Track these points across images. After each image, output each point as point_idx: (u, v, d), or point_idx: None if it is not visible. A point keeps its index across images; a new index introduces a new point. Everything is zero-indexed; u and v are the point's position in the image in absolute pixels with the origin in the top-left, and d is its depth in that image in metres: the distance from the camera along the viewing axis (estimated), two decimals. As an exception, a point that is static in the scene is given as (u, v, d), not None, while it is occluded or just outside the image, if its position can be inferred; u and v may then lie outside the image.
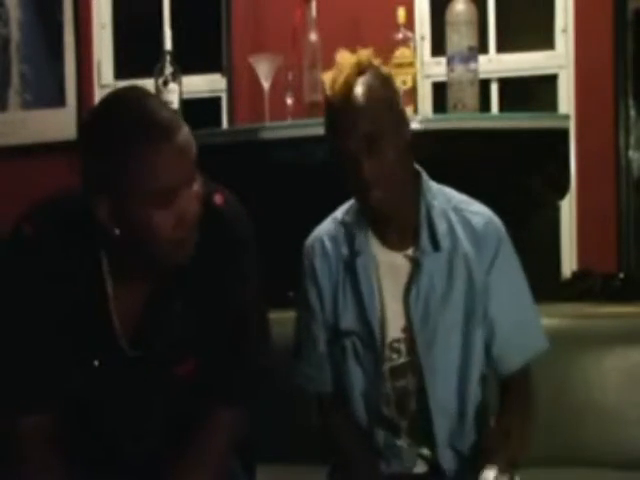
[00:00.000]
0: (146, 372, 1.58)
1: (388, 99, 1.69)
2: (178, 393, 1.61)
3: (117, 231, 1.47)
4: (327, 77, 1.71)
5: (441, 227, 1.73)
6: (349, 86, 1.66)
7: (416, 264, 1.74)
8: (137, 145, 1.42)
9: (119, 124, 1.43)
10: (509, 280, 1.77)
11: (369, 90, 1.66)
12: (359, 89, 1.66)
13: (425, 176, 1.78)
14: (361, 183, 1.66)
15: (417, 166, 1.79)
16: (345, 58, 1.70)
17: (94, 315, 1.55)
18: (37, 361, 1.54)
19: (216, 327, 1.60)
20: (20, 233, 1.55)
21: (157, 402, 1.62)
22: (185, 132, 1.46)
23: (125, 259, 1.53)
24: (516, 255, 1.79)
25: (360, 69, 1.67)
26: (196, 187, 1.48)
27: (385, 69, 1.74)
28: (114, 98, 1.50)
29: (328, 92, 1.69)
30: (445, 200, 1.78)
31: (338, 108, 1.67)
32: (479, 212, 1.77)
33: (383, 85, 1.70)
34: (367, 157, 1.64)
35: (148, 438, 1.65)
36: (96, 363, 1.57)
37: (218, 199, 1.59)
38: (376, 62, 1.71)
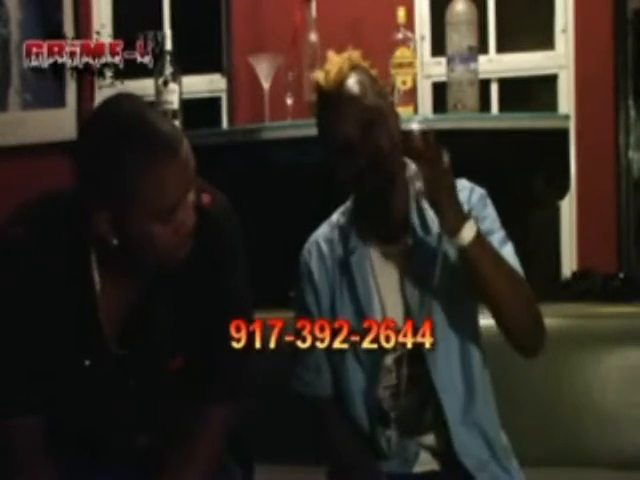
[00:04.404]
0: (136, 370, 1.58)
1: (381, 90, 1.75)
2: (169, 390, 1.62)
3: (115, 242, 1.46)
4: (318, 74, 1.75)
5: (430, 212, 1.74)
6: (342, 76, 1.71)
7: (410, 253, 1.76)
8: (145, 164, 1.41)
9: (125, 142, 1.41)
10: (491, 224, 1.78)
11: (361, 80, 1.72)
12: (352, 79, 1.72)
13: (412, 166, 1.77)
14: (356, 168, 1.67)
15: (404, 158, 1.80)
16: (335, 56, 1.75)
17: (82, 315, 1.55)
18: (27, 362, 1.53)
19: (205, 324, 1.60)
20: (8, 234, 1.54)
21: (148, 400, 1.62)
22: (186, 145, 1.46)
23: (114, 258, 1.52)
24: (495, 212, 1.81)
25: (351, 64, 1.73)
26: (191, 196, 1.49)
27: (373, 71, 1.78)
28: (115, 111, 1.47)
29: (321, 83, 1.73)
30: None
31: (332, 95, 1.71)
32: (460, 188, 1.75)
33: (374, 80, 1.75)
34: (362, 141, 1.67)
35: (140, 436, 1.65)
36: (87, 363, 1.56)
37: (205, 199, 1.59)
38: (366, 63, 1.77)
